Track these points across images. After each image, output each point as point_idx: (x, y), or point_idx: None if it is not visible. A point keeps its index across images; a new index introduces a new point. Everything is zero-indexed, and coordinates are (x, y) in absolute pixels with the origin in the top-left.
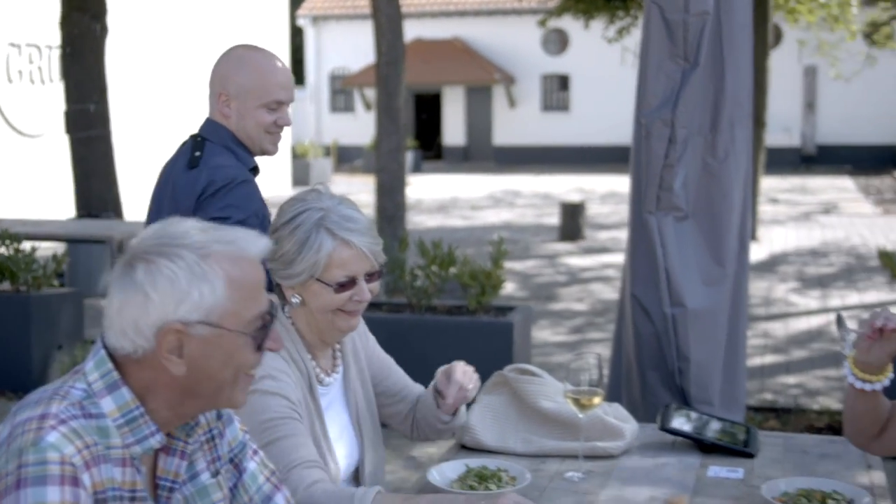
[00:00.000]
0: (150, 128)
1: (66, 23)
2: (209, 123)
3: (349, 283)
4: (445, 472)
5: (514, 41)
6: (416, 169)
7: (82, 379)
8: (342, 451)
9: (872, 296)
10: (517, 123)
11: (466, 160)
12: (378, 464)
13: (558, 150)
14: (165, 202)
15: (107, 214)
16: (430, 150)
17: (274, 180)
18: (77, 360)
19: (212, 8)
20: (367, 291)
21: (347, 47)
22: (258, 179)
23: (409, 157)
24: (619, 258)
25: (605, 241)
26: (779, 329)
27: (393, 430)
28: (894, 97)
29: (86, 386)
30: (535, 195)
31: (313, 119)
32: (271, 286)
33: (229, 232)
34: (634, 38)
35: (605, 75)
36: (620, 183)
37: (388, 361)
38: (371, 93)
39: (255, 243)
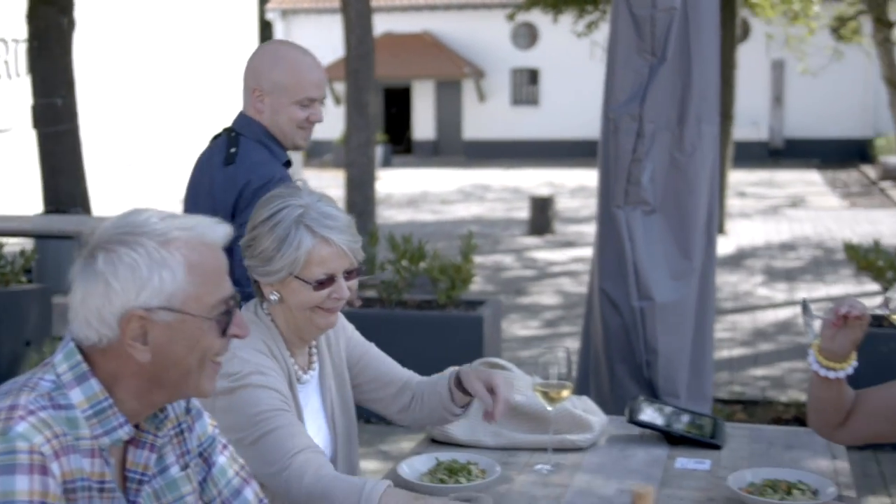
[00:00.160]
0: (119, 122)
1: (34, 16)
2: (242, 118)
3: (328, 281)
4: (415, 466)
5: (484, 35)
6: (386, 163)
7: (51, 371)
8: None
9: (839, 288)
10: (487, 117)
11: (436, 154)
12: (352, 459)
13: (528, 144)
14: (202, 198)
15: (75, 210)
16: (400, 144)
17: None
18: (45, 356)
19: (181, 2)
20: (345, 289)
21: (317, 41)
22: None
23: (379, 151)
24: (588, 252)
25: (574, 235)
26: (746, 322)
27: (364, 426)
28: (861, 91)
29: (55, 377)
30: (504, 189)
31: None
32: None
33: (189, 219)
34: (603, 32)
35: (575, 70)
36: (590, 177)
37: (369, 347)
38: (341, 87)
39: (214, 229)
